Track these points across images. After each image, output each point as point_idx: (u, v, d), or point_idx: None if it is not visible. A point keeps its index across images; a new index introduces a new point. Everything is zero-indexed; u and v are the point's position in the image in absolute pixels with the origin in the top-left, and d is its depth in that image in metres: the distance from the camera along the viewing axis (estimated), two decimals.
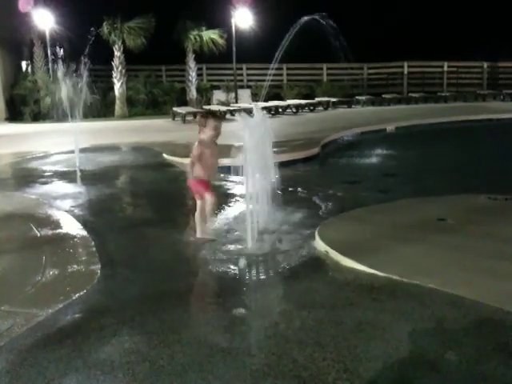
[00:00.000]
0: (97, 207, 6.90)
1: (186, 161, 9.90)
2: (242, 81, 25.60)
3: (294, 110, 20.87)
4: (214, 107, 20.45)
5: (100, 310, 3.68)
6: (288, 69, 26.14)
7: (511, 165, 9.25)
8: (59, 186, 8.27)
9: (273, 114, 19.55)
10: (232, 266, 4.47)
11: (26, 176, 9.20)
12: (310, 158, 10.10)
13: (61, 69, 11.14)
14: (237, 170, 5.29)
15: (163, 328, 3.37)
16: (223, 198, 6.99)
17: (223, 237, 5.25)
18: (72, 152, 10.59)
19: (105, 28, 20.80)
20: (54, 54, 20.29)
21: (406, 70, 27.19)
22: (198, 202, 5.27)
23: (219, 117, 5.31)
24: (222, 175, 8.54)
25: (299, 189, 7.50)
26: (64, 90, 10.98)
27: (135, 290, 4.06)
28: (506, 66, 27.86)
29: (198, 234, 5.23)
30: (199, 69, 24.53)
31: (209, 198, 5.21)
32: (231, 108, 19.91)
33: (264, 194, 5.36)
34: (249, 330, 3.39)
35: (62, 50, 20.00)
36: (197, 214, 5.26)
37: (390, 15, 28.34)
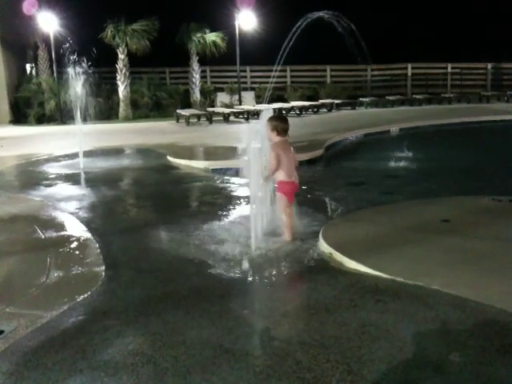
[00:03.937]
0: (101, 209, 6.91)
1: (190, 163, 10.12)
2: (245, 83, 25.65)
3: (298, 112, 20.86)
4: (218, 109, 20.47)
5: (104, 312, 3.69)
6: (291, 71, 26.15)
7: None
8: (63, 188, 8.29)
9: None
10: (234, 268, 4.47)
11: (30, 178, 9.23)
12: (314, 160, 10.10)
13: (65, 71, 11.17)
14: (241, 172, 5.27)
15: (167, 329, 3.38)
16: (227, 200, 7.02)
17: (227, 238, 5.25)
18: (76, 154, 10.65)
19: (109, 31, 20.86)
20: (58, 56, 20.34)
21: (409, 72, 27.19)
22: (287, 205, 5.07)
23: (285, 119, 5.13)
24: (225, 177, 8.60)
25: (303, 190, 7.49)
26: (68, 93, 11.03)
27: (139, 291, 4.07)
28: (510, 67, 27.80)
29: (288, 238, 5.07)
30: (203, 71, 24.57)
31: (281, 208, 5.03)
32: (235, 110, 19.95)
33: (268, 195, 5.35)
34: (252, 332, 3.39)
35: (65, 53, 20.04)
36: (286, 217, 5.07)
37: (393, 17, 28.36)
